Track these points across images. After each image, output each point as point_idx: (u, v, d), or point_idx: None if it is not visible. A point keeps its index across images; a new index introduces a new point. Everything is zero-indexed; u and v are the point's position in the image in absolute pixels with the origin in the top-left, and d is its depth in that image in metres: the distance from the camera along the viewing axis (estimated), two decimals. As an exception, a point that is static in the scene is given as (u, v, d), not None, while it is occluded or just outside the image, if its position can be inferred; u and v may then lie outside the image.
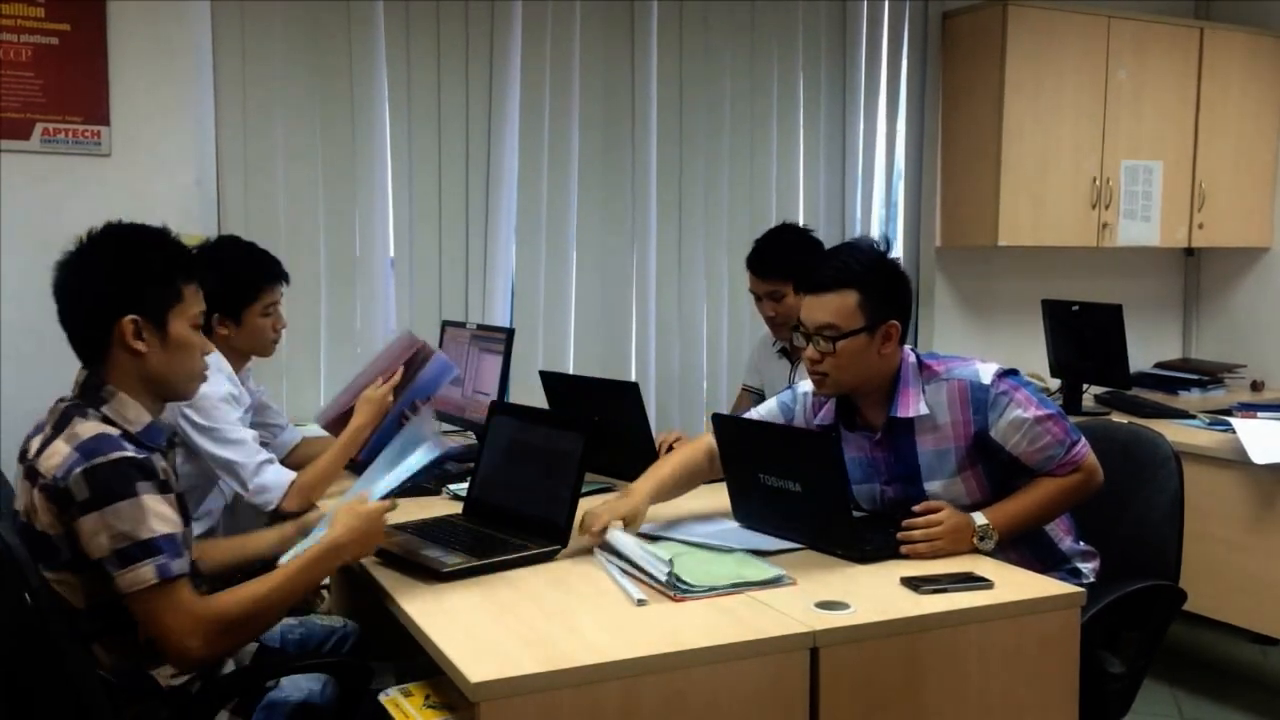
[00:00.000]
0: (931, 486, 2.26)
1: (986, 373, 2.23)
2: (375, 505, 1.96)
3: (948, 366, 2.27)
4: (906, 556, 2.09)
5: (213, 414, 2.57)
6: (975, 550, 2.13)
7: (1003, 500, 2.23)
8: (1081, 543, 2.39)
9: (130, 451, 1.74)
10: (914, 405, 2.24)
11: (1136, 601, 2.27)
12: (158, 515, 1.72)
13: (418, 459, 2.06)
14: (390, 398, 2.76)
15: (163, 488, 1.76)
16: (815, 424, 2.42)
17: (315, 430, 3.01)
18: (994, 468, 2.26)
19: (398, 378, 2.80)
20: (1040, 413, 2.20)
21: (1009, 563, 2.12)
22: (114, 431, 1.77)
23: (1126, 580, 2.29)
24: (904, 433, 2.28)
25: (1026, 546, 2.27)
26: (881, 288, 2.22)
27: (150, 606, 1.72)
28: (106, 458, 1.71)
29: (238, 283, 2.71)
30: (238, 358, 2.76)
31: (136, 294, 1.82)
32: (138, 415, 1.83)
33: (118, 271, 1.83)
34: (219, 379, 2.63)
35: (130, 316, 1.81)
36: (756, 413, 2.55)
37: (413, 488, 2.65)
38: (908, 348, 2.30)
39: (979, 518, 2.16)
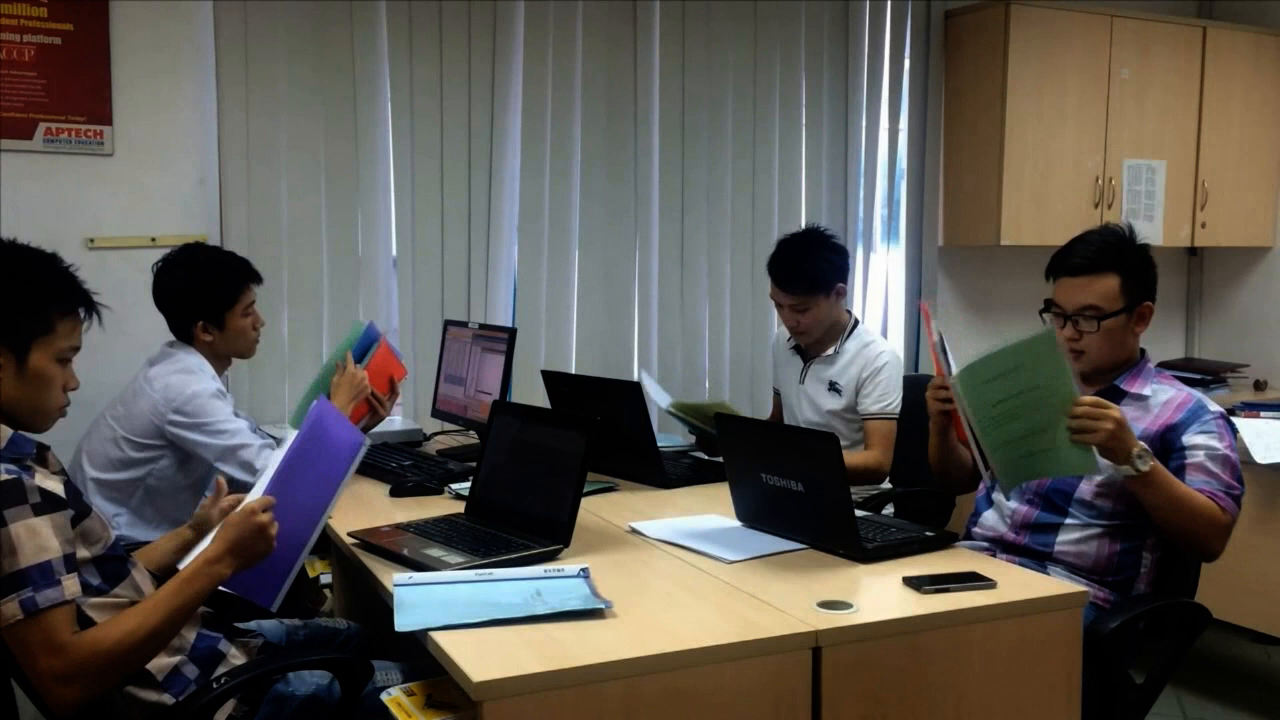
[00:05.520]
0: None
1: (1213, 404, 2.31)
2: (245, 508, 1.83)
3: (1184, 387, 2.37)
4: (906, 556, 2.09)
5: (206, 410, 2.60)
6: (1129, 462, 2.10)
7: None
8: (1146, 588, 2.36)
9: (0, 474, 1.63)
10: (1140, 387, 2.34)
11: (1161, 613, 2.28)
12: (30, 544, 1.62)
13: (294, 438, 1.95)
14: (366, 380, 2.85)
15: (38, 508, 1.65)
16: None
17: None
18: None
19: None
20: (1226, 451, 2.23)
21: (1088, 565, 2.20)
22: None
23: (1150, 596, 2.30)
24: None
25: (1108, 558, 2.29)
26: (1138, 271, 2.33)
27: (17, 645, 1.62)
28: None
29: (216, 288, 2.72)
30: (218, 364, 2.76)
31: None
32: None
33: None
34: (206, 379, 2.66)
35: None
36: None
37: (414, 487, 2.66)
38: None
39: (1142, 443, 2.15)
